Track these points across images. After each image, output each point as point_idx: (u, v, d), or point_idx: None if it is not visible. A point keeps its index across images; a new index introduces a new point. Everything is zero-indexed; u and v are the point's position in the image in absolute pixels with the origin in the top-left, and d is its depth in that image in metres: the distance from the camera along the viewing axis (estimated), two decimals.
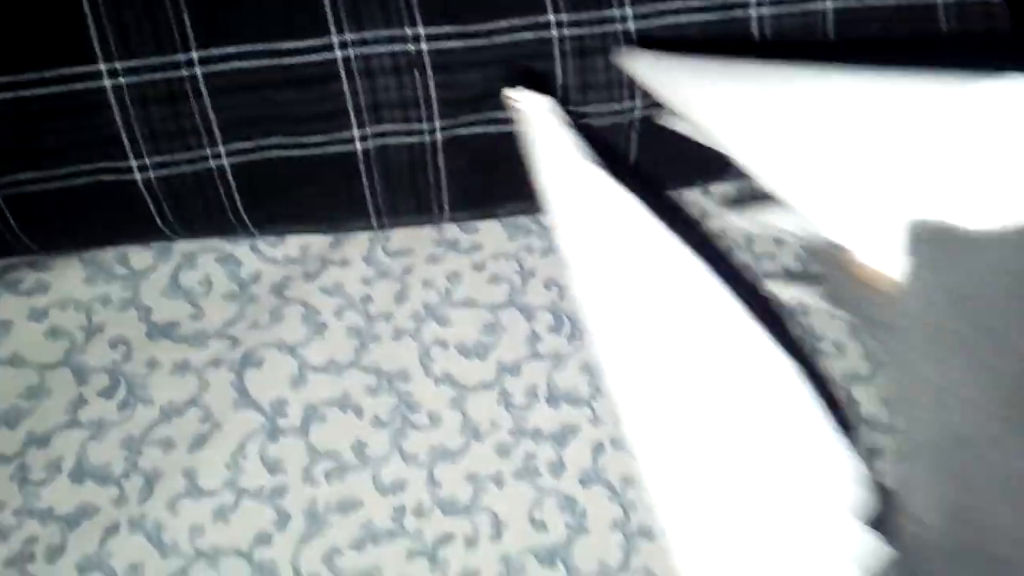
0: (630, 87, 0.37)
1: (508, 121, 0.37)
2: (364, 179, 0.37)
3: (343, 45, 0.35)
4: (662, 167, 0.41)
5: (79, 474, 0.36)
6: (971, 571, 0.18)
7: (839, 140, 0.21)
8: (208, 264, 0.41)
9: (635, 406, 0.21)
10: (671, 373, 0.21)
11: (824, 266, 0.22)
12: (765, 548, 0.19)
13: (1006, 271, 0.17)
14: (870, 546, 0.19)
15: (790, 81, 0.23)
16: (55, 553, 0.34)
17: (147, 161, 0.35)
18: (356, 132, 0.36)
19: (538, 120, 0.26)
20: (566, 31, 0.36)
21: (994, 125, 0.18)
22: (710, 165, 0.40)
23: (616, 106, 0.37)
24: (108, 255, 0.40)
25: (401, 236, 0.43)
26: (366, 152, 0.37)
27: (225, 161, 0.36)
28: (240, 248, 0.41)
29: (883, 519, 0.19)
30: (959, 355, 0.18)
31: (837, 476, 0.19)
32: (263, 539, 0.35)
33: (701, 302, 0.21)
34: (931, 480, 0.18)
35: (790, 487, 0.19)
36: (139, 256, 0.40)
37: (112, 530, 0.35)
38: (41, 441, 0.36)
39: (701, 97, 0.27)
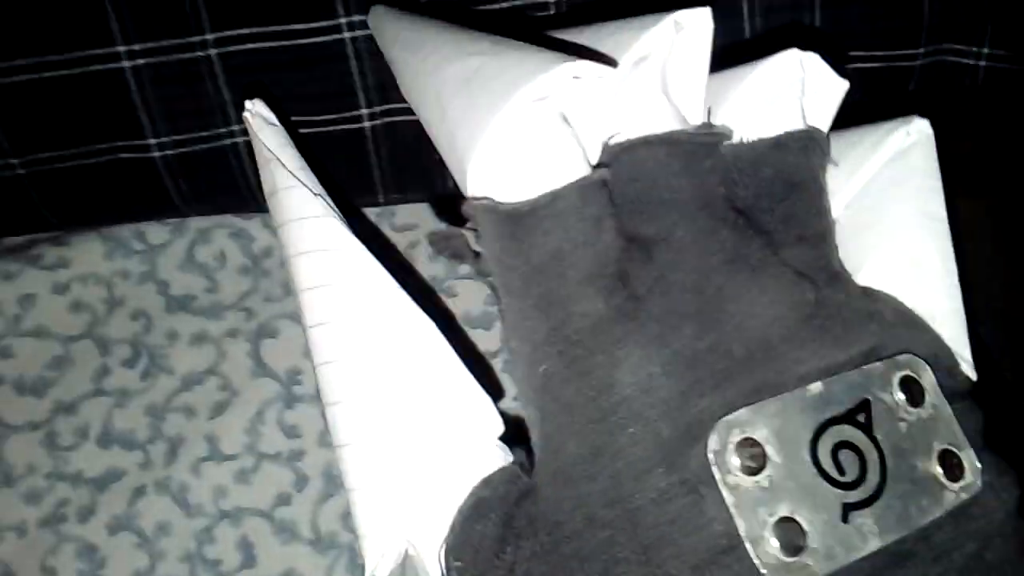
0: None
1: None
2: (372, 156, 0.39)
3: (351, 27, 0.36)
4: None
5: (106, 440, 0.37)
6: (565, 491, 0.20)
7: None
8: (222, 239, 0.42)
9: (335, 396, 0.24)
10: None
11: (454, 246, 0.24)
12: (420, 478, 0.22)
13: (545, 233, 0.20)
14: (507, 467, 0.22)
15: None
16: (86, 514, 0.36)
17: (164, 139, 0.37)
18: (364, 111, 0.37)
19: (262, 135, 0.27)
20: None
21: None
22: None
23: None
24: (126, 231, 0.42)
25: (406, 212, 0.44)
26: (374, 129, 0.38)
27: (239, 139, 0.37)
28: (252, 224, 0.43)
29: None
30: (528, 308, 0.21)
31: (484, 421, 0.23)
32: (283, 499, 0.37)
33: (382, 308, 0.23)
34: (531, 415, 0.21)
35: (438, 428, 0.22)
36: (155, 232, 0.42)
37: (139, 492, 0.37)
38: (68, 409, 0.38)
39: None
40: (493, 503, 0.21)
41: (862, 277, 0.25)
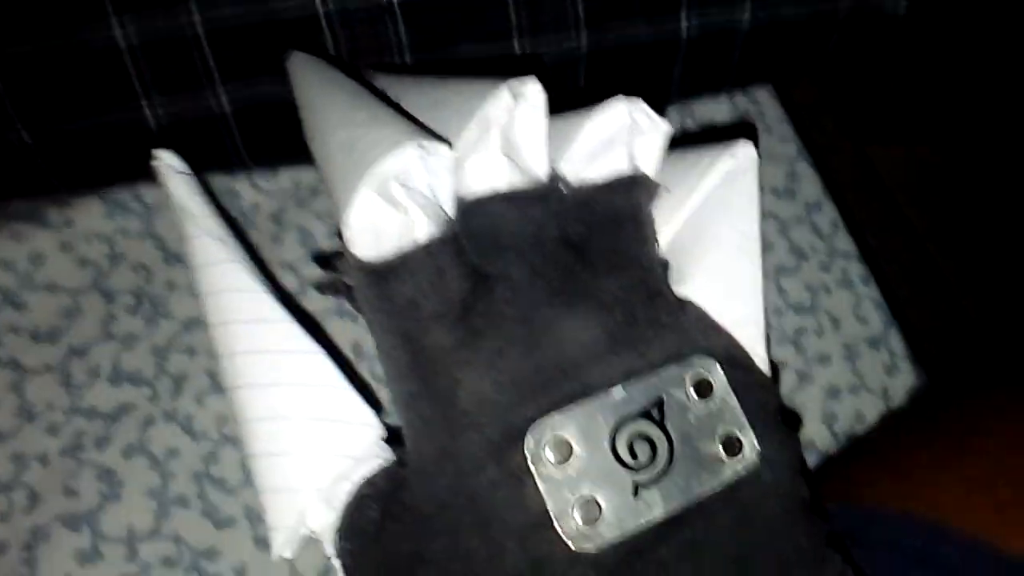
0: (575, 21, 0.42)
1: (474, 55, 0.42)
2: None
3: (324, 2, 0.40)
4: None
5: (116, 378, 0.41)
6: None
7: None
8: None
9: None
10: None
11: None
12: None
13: (401, 284, 0.26)
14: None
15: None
16: (102, 443, 0.40)
17: (156, 104, 0.40)
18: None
19: (171, 184, 0.31)
20: None
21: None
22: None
23: (565, 41, 0.43)
24: (124, 192, 0.45)
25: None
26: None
27: (225, 103, 0.41)
28: (239, 183, 0.47)
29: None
30: (393, 342, 0.26)
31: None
32: None
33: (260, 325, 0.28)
34: (402, 425, 0.27)
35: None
36: (150, 192, 0.46)
37: (149, 422, 0.41)
38: (80, 352, 0.42)
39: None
40: (373, 497, 0.26)
41: (686, 288, 0.29)
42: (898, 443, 0.39)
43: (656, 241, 0.30)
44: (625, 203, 0.29)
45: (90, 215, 0.45)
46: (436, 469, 0.25)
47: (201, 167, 0.44)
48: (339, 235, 0.27)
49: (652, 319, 0.27)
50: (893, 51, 0.48)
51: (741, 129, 0.52)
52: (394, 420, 0.29)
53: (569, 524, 0.23)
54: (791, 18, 0.45)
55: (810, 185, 0.51)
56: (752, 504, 0.25)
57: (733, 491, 0.25)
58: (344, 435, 0.27)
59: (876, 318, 0.47)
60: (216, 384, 0.42)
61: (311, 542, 0.37)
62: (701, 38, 0.44)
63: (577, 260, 0.27)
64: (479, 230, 0.27)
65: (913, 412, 0.44)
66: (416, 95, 0.30)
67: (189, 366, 0.42)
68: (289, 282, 0.44)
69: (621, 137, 0.29)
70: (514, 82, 0.26)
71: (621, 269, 0.28)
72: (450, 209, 0.27)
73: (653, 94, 0.48)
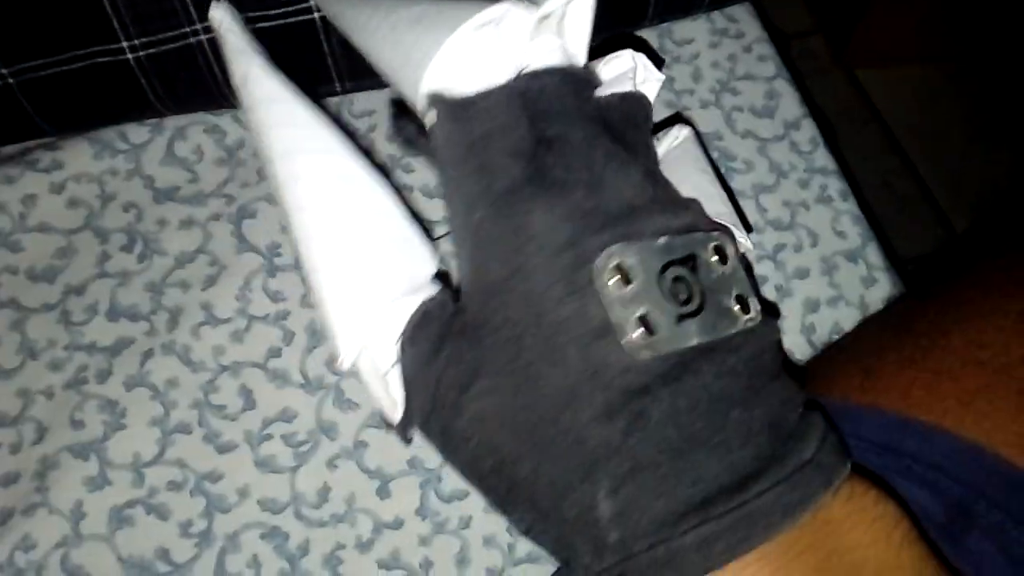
0: None
1: None
2: (324, 45, 0.43)
3: None
4: None
5: (114, 314, 0.43)
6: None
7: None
8: (198, 135, 0.47)
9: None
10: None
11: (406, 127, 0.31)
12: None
13: (479, 118, 0.28)
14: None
15: None
16: (104, 375, 0.41)
17: (136, 42, 0.41)
18: (313, 2, 0.41)
19: (229, 33, 0.32)
20: None
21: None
22: None
23: None
24: (110, 133, 0.46)
25: (363, 99, 0.49)
26: (324, 19, 0.42)
27: (203, 37, 0.41)
28: (224, 119, 0.47)
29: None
30: (466, 173, 0.28)
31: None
32: (274, 352, 0.43)
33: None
34: (463, 253, 0.29)
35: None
36: (136, 132, 0.46)
37: (148, 354, 0.42)
38: (77, 291, 0.43)
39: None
40: (433, 314, 0.29)
41: None
42: (869, 344, 0.40)
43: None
44: (637, 111, 0.32)
45: (79, 156, 0.45)
46: (502, 287, 0.27)
47: (186, 104, 0.46)
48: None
49: (672, 193, 0.31)
50: None
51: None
52: None
53: (627, 336, 0.26)
54: None
55: (789, 103, 0.51)
56: (759, 352, 0.29)
57: (745, 337, 0.28)
58: (407, 258, 0.30)
59: (854, 232, 0.48)
60: (211, 315, 0.43)
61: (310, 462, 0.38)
62: None
63: (614, 139, 0.30)
64: (539, 95, 0.29)
65: (885, 315, 0.45)
66: None
67: (184, 300, 0.43)
68: (279, 216, 0.45)
69: (628, 78, 0.32)
70: None
71: (645, 156, 0.31)
72: (515, 72, 0.29)
73: (630, 15, 0.48)
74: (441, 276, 0.31)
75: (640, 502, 0.25)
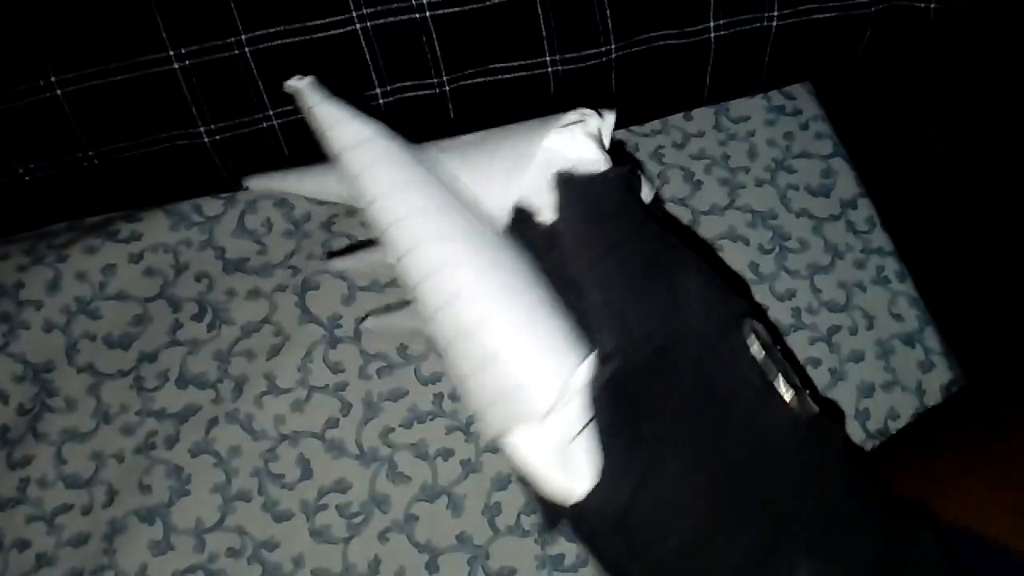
0: (604, 31, 0.44)
1: (508, 71, 0.44)
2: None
3: (361, 19, 0.42)
4: (642, 101, 0.48)
5: (183, 381, 0.45)
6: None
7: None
8: (267, 208, 0.49)
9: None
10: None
11: None
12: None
13: (612, 195, 0.30)
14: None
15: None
16: (171, 441, 0.43)
17: (213, 127, 0.43)
18: (378, 90, 0.43)
19: (317, 104, 0.31)
20: None
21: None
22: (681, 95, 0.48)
23: (594, 50, 0.44)
24: (186, 206, 0.49)
25: None
26: (388, 105, 0.44)
27: (275, 122, 0.44)
28: (292, 195, 0.50)
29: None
30: (603, 251, 0.29)
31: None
32: (332, 423, 0.44)
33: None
34: (607, 331, 0.29)
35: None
36: (211, 205, 0.49)
37: (213, 422, 0.44)
38: (150, 358, 0.45)
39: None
40: (603, 379, 0.29)
41: None
42: (926, 443, 0.40)
43: None
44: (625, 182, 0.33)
45: (156, 228, 0.48)
46: (660, 337, 0.29)
47: None
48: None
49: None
50: (929, 45, 0.48)
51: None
52: None
53: (784, 397, 0.29)
54: (821, 18, 0.45)
55: (846, 182, 0.51)
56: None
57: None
58: (564, 324, 0.29)
59: (911, 315, 0.48)
60: (274, 385, 0.45)
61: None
62: (730, 41, 0.45)
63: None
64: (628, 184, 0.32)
65: (944, 413, 0.44)
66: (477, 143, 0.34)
67: (248, 369, 0.45)
68: (341, 288, 0.47)
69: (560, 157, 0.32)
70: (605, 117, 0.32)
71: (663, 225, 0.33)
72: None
73: (685, 98, 0.49)
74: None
75: (835, 567, 0.28)
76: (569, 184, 0.29)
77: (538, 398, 0.27)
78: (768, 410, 0.29)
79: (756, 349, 0.29)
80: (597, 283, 0.29)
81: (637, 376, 0.28)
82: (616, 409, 0.28)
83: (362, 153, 0.30)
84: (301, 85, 0.31)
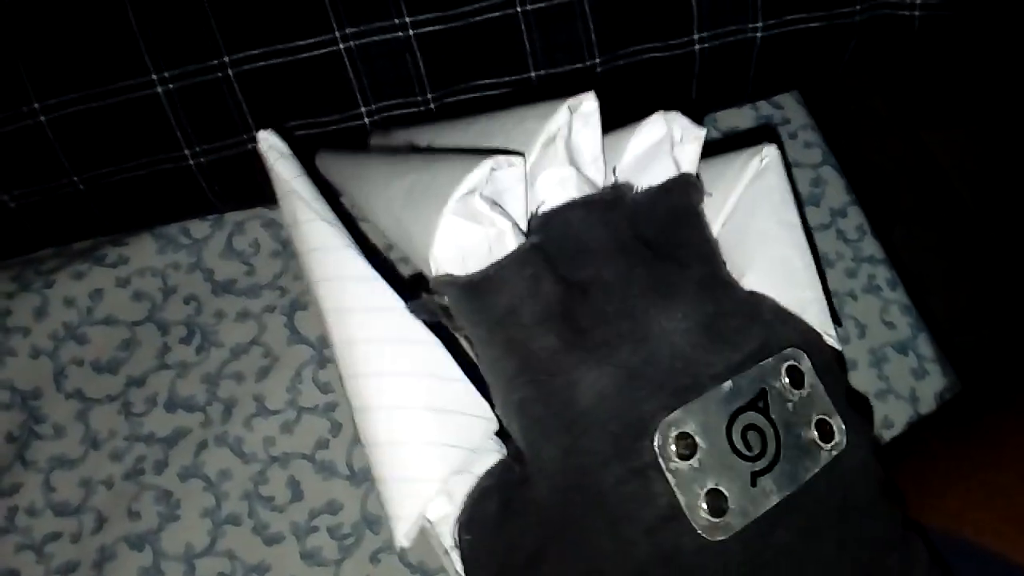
0: (588, 45, 0.44)
1: (493, 87, 0.44)
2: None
3: (344, 39, 0.42)
4: (628, 114, 0.48)
5: (171, 405, 0.45)
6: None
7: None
8: (255, 229, 0.49)
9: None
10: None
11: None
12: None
13: (497, 294, 0.26)
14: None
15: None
16: (160, 466, 0.43)
17: (197, 150, 0.43)
18: (363, 109, 0.43)
19: (278, 166, 0.31)
20: (528, 6, 0.42)
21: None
22: None
23: (579, 64, 0.44)
24: (173, 229, 0.48)
25: None
26: (373, 124, 0.44)
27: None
28: (279, 214, 0.49)
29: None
30: (497, 352, 0.27)
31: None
32: (322, 444, 0.44)
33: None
34: (513, 429, 0.27)
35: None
36: (198, 227, 0.49)
37: (202, 446, 0.44)
38: (138, 382, 0.45)
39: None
40: (495, 489, 0.27)
41: (745, 282, 0.31)
42: (919, 452, 0.39)
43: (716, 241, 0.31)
44: (682, 202, 0.30)
45: (143, 251, 0.48)
46: (558, 467, 0.25)
47: (244, 202, 0.48)
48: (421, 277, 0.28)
49: (736, 310, 0.28)
50: (915, 52, 0.48)
51: (763, 132, 0.52)
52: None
53: (699, 516, 0.24)
54: (806, 28, 0.45)
55: (835, 191, 0.51)
56: (847, 485, 0.26)
57: (831, 473, 0.26)
58: (463, 426, 0.28)
59: (904, 322, 0.47)
60: (263, 407, 0.44)
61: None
62: (715, 54, 0.45)
63: (655, 257, 0.28)
64: (561, 238, 0.27)
65: (937, 421, 0.44)
66: (458, 132, 0.32)
67: (238, 391, 0.45)
68: None
69: (664, 147, 0.30)
70: (572, 99, 0.28)
71: (694, 263, 0.29)
72: (525, 220, 0.28)
73: (670, 110, 0.49)
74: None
75: None
76: (461, 288, 0.27)
77: (396, 533, 0.27)
78: (669, 535, 0.24)
79: (674, 465, 0.24)
80: (493, 386, 0.28)
81: (528, 487, 0.26)
82: (494, 529, 0.27)
83: (324, 264, 0.30)
84: (267, 141, 0.32)
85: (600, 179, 0.29)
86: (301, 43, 0.41)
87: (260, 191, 0.46)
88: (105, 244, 0.48)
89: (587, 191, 0.29)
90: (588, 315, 0.26)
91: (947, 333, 0.47)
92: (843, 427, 0.27)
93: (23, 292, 0.46)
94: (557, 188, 0.28)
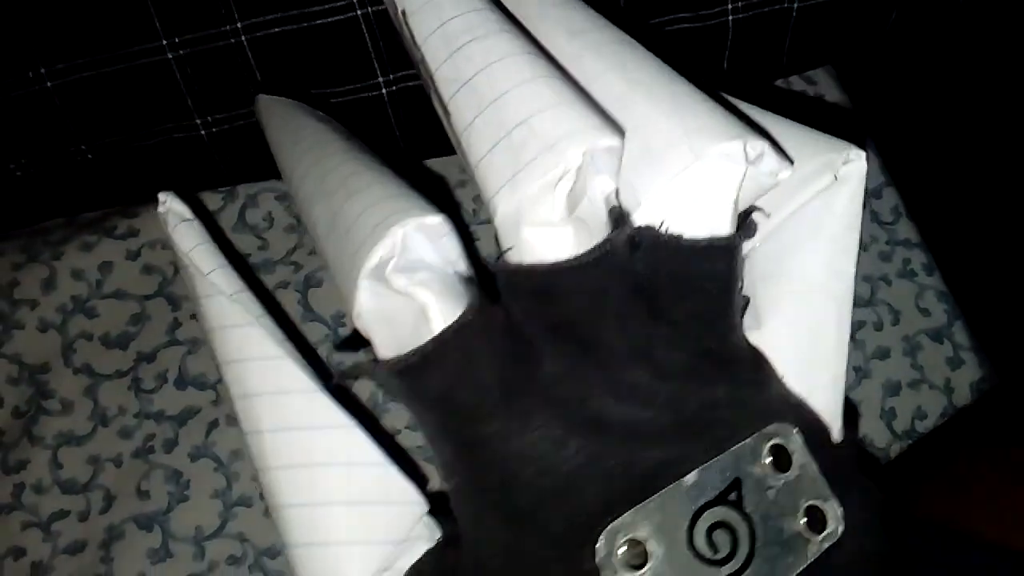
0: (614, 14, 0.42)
1: None
2: (392, 118, 0.43)
3: (362, 4, 0.40)
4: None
5: (181, 383, 0.43)
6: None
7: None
8: (268, 202, 0.48)
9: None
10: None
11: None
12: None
13: (428, 379, 0.23)
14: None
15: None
16: (170, 445, 0.42)
17: (209, 119, 0.42)
18: (380, 79, 0.42)
19: (176, 235, 0.29)
20: None
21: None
22: None
23: None
24: (186, 201, 0.47)
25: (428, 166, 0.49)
26: (391, 94, 0.42)
27: None
28: None
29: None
30: (433, 432, 0.25)
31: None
32: None
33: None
34: (460, 517, 0.25)
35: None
36: (210, 199, 0.47)
37: (213, 425, 0.42)
38: (148, 358, 0.44)
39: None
40: None
41: (762, 333, 0.26)
42: (958, 452, 0.38)
43: (740, 295, 0.26)
44: (716, 273, 0.24)
45: (154, 223, 0.46)
46: (496, 567, 0.23)
47: (255, 174, 0.46)
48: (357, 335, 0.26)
49: (726, 392, 0.24)
50: (958, 25, 0.46)
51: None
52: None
53: None
54: None
55: (870, 170, 0.48)
56: None
57: (822, 567, 0.22)
58: (387, 518, 0.25)
59: (939, 309, 0.45)
60: None
61: None
62: (749, 24, 0.43)
63: (648, 320, 0.24)
64: (527, 295, 0.24)
65: (977, 418, 0.42)
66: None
67: None
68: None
69: (730, 188, 0.23)
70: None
71: (696, 334, 0.24)
72: (466, 277, 0.25)
73: (701, 82, 0.47)
74: (438, 497, 0.26)
75: None
76: (398, 370, 0.23)
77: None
78: None
79: (622, 568, 0.21)
80: (436, 462, 0.25)
81: None
82: None
83: (230, 341, 0.28)
84: (167, 204, 0.31)
85: (604, 228, 0.23)
86: (316, 8, 0.40)
87: (273, 163, 0.45)
88: (115, 215, 0.47)
89: (583, 241, 0.23)
90: (535, 397, 0.23)
91: (984, 322, 0.45)
92: (839, 513, 0.23)
93: (31, 263, 0.45)
94: (541, 240, 0.23)
